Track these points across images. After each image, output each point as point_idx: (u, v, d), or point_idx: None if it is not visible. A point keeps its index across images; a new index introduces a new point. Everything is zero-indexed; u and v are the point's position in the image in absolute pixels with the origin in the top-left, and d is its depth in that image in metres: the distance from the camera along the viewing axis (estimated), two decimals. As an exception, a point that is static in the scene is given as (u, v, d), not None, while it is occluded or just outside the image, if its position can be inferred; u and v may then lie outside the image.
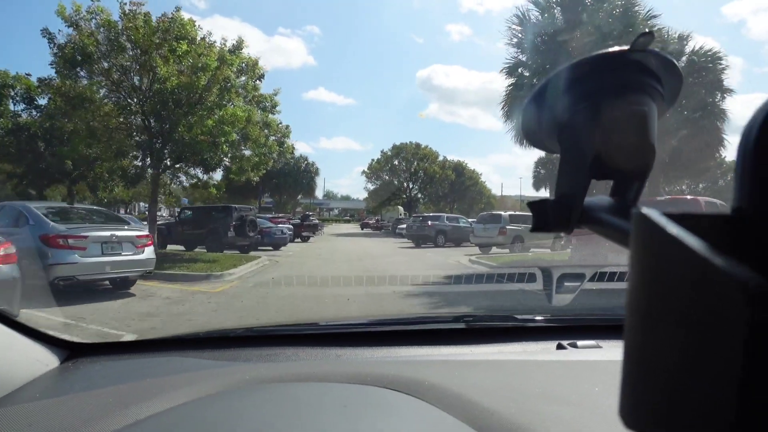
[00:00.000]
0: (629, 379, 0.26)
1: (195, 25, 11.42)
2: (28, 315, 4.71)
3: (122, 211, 43.84)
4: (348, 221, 64.80)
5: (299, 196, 52.94)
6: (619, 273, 4.71)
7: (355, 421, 0.83)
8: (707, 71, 15.71)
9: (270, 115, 13.05)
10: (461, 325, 1.48)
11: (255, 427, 0.81)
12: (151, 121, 10.77)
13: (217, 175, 13.64)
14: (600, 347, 1.31)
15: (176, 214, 18.27)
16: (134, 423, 0.81)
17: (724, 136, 15.86)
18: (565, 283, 4.47)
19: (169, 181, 12.52)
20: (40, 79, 11.92)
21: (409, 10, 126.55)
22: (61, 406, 0.90)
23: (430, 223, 23.42)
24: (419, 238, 23.27)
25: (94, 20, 10.60)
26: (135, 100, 10.71)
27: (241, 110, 10.75)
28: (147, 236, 7.34)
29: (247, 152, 12.23)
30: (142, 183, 17.14)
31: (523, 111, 0.48)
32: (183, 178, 12.81)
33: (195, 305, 6.45)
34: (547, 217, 0.46)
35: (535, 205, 0.47)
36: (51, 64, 10.83)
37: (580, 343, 1.33)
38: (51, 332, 1.23)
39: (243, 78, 12.37)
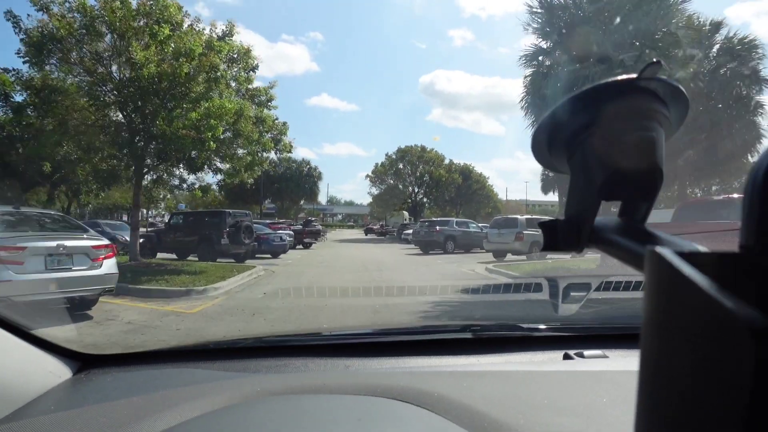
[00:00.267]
0: (644, 405, 0.28)
1: (181, 10, 10.20)
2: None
3: (125, 217, 42.86)
4: (352, 227, 63.76)
5: (302, 202, 51.83)
6: (625, 282, 4.68)
7: None
8: (742, 60, 14.42)
9: (265, 110, 11.78)
10: (468, 335, 1.47)
11: None
12: (131, 115, 9.51)
13: (209, 176, 12.27)
14: (607, 357, 1.30)
15: (167, 220, 16.88)
16: None
17: (763, 131, 14.54)
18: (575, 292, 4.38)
19: (152, 184, 11.13)
20: (5, 69, 10.65)
21: (411, 15, 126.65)
22: (76, 419, 0.90)
23: (438, 228, 22.11)
24: (427, 244, 21.97)
25: (67, 2, 9.40)
26: (111, 90, 9.43)
27: (230, 102, 9.47)
28: (107, 246, 6.04)
29: (241, 151, 10.92)
30: (126, 186, 15.97)
31: (534, 134, 0.49)
32: (171, 179, 11.39)
33: (159, 333, 5.16)
34: (558, 237, 0.47)
35: (545, 225, 0.48)
36: (18, 53, 9.63)
37: (586, 353, 1.32)
38: (63, 344, 1.21)
39: (235, 69, 11.13)
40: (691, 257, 0.26)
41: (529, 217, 18.43)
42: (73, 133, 9.30)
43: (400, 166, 47.80)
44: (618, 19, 12.18)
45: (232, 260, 15.26)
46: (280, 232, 19.50)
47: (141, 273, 9.57)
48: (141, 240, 16.50)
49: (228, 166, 11.73)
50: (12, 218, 5.75)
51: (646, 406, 0.28)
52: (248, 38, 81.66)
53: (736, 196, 11.55)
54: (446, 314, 6.00)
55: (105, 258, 5.87)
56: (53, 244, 5.43)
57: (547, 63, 13.26)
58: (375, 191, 49.79)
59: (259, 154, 11.23)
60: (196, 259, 14.44)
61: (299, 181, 45.17)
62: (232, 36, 10.91)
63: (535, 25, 13.24)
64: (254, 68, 11.52)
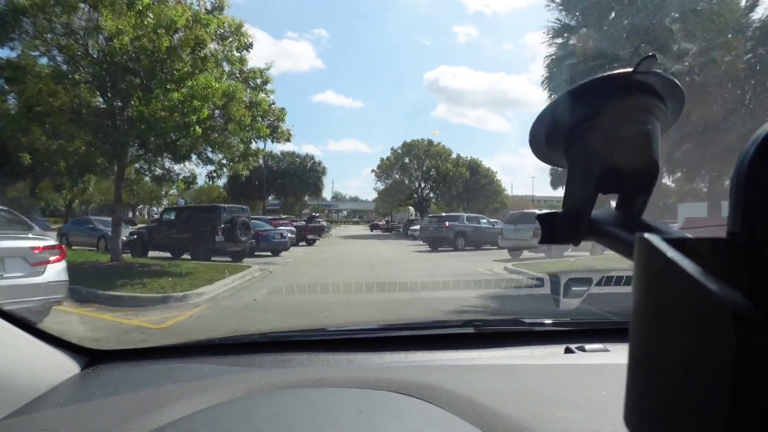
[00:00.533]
0: (633, 389, 0.28)
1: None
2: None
3: (131, 214, 41.87)
4: (357, 223, 62.81)
5: (306, 198, 50.83)
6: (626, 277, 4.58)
7: (370, 427, 0.83)
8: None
9: (261, 95, 10.62)
10: (470, 330, 1.48)
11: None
12: (106, 95, 8.36)
13: (199, 168, 11.09)
14: (608, 351, 1.31)
15: (158, 216, 15.80)
16: (157, 429, 0.80)
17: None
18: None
19: (135, 175, 9.98)
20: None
21: (415, 12, 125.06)
22: (85, 413, 0.91)
23: (447, 224, 20.91)
24: (436, 240, 20.79)
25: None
26: (85, 68, 8.28)
27: (217, 81, 8.31)
28: (53, 248, 4.91)
29: (233, 139, 9.76)
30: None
31: (532, 129, 0.49)
32: (154, 170, 10.18)
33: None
34: (556, 230, 0.48)
35: (543, 217, 0.49)
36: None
37: (588, 346, 1.33)
38: (71, 339, 1.23)
39: (226, 47, 9.96)
40: (678, 243, 0.27)
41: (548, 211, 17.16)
42: (41, 117, 8.16)
43: (406, 160, 46.57)
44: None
45: (229, 259, 14.21)
46: (281, 228, 18.43)
47: (119, 275, 8.48)
48: (131, 237, 15.54)
49: (220, 156, 10.59)
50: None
51: (636, 392, 0.28)
52: (253, 35, 79.92)
53: None
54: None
55: (50, 262, 4.74)
56: (-24, 245, 4.31)
57: (572, 42, 12.01)
58: (380, 186, 48.64)
59: (254, 142, 10.04)
60: (191, 258, 13.42)
61: (303, 177, 44.09)
62: (222, 10, 9.76)
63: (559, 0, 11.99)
64: (248, 47, 10.35)
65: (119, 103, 8.22)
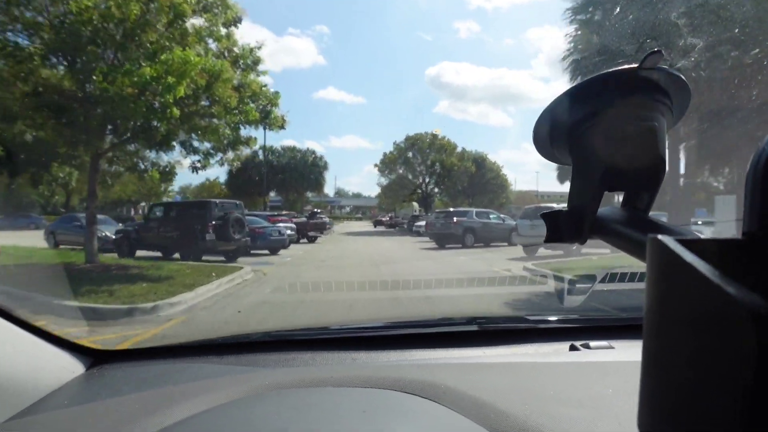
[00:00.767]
0: (646, 390, 0.28)
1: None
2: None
3: (132, 211, 40.86)
4: (360, 219, 61.88)
5: (310, 195, 49.76)
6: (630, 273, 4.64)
7: (375, 426, 0.83)
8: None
9: (251, 76, 9.47)
10: (474, 327, 1.48)
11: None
12: (67, 70, 7.20)
13: (184, 158, 9.93)
14: (613, 348, 1.29)
15: (146, 212, 14.70)
16: (162, 430, 0.80)
17: None
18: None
19: (108, 164, 8.83)
20: None
21: (417, 8, 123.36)
22: (90, 413, 0.92)
23: (456, 219, 19.76)
24: (443, 237, 19.66)
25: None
26: (39, 39, 7.11)
27: (197, 56, 7.16)
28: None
29: (217, 122, 8.62)
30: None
31: (536, 126, 0.48)
32: (127, 158, 8.98)
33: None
34: (561, 228, 0.47)
35: (548, 215, 0.49)
36: None
37: (592, 344, 1.31)
38: (75, 340, 1.23)
39: (217, 23, 8.82)
40: (692, 244, 0.26)
41: (565, 206, 16.02)
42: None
43: (410, 155, 45.35)
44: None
45: (222, 258, 13.14)
46: (280, 225, 17.36)
47: (88, 280, 7.39)
48: (118, 236, 14.48)
49: (208, 145, 9.46)
50: None
51: (649, 393, 0.28)
52: (255, 32, 79.09)
53: None
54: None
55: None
56: None
57: (597, 17, 10.85)
58: (384, 181, 47.46)
59: (243, 128, 8.89)
60: (181, 258, 12.35)
61: (304, 172, 42.93)
62: (206, -22, 8.60)
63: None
64: (236, 22, 9.20)
65: (84, 82, 7.07)
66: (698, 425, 0.24)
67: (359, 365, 1.23)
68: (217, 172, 47.45)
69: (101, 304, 5.89)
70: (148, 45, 7.12)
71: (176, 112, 7.31)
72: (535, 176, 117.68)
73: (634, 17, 10.98)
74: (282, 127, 9.88)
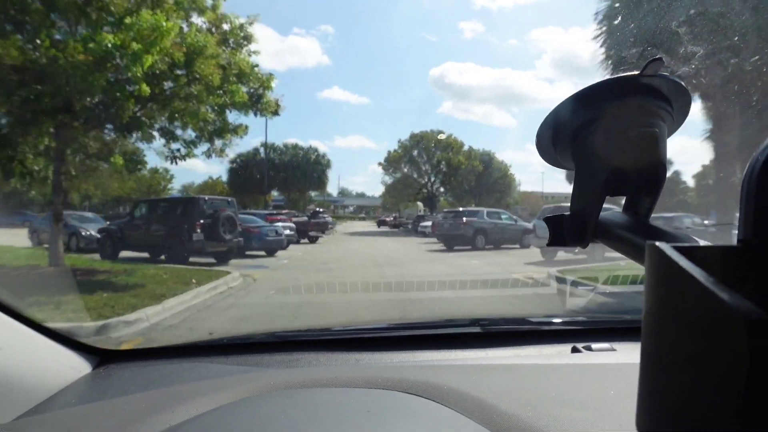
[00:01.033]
0: (644, 392, 0.29)
1: None
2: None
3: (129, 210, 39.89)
4: (363, 219, 60.89)
5: (313, 194, 48.73)
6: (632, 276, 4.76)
7: (380, 427, 0.83)
8: None
9: (240, 55, 8.29)
10: (477, 329, 1.48)
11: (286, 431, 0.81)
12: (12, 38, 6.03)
13: (166, 147, 8.71)
14: (615, 350, 1.30)
15: (131, 210, 13.57)
16: (169, 429, 0.80)
17: None
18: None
19: (72, 153, 7.66)
20: None
21: (421, 8, 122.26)
22: (98, 412, 0.92)
23: (465, 220, 18.57)
24: (452, 239, 18.49)
25: None
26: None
27: (165, 19, 5.95)
28: None
29: (203, 109, 7.43)
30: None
31: (538, 131, 0.49)
32: (90, 144, 7.73)
33: None
34: (564, 232, 0.48)
35: (551, 220, 0.49)
36: None
37: (594, 346, 1.31)
38: (82, 339, 1.24)
39: None
40: (689, 251, 0.27)
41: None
42: None
43: (415, 153, 44.14)
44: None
45: (212, 260, 12.01)
46: (278, 224, 16.23)
47: (41, 287, 6.23)
48: (100, 235, 13.37)
49: (192, 133, 8.28)
50: None
51: (647, 395, 0.29)
52: (260, 31, 77.89)
53: None
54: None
55: None
56: None
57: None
58: (388, 180, 46.27)
59: (230, 111, 7.69)
60: (166, 260, 11.22)
61: (307, 170, 41.79)
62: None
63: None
64: (223, -8, 8.03)
65: (35, 52, 5.90)
66: (695, 426, 0.25)
67: (363, 366, 1.24)
68: (219, 171, 46.50)
69: (37, 320, 4.71)
70: (112, 9, 5.95)
71: (146, 89, 6.13)
72: (540, 177, 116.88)
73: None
74: (276, 112, 8.69)
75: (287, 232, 16.89)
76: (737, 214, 0.30)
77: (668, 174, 0.48)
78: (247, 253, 14.17)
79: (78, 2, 5.94)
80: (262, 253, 14.51)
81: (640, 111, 0.45)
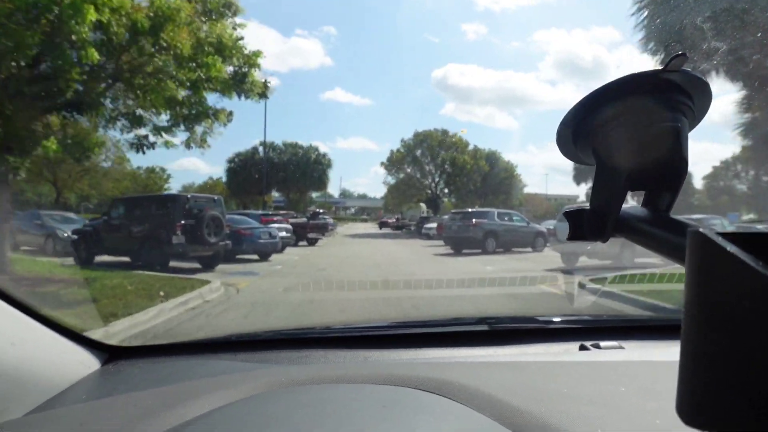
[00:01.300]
0: (687, 381, 0.29)
1: None
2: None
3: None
4: (365, 220, 59.74)
5: (315, 195, 47.56)
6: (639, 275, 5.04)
7: (395, 422, 0.82)
8: None
9: (223, 27, 7.01)
10: (484, 327, 1.48)
11: (302, 427, 0.80)
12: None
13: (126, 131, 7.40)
14: (623, 348, 1.30)
15: (107, 210, 12.28)
16: (180, 425, 0.79)
17: None
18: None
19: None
20: None
21: (424, 10, 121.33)
22: (108, 408, 0.92)
23: (475, 221, 17.28)
24: (460, 241, 17.23)
25: None
26: None
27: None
28: None
29: (171, 84, 6.15)
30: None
31: (559, 127, 0.50)
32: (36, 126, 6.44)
33: None
34: (583, 227, 0.49)
35: (571, 214, 0.50)
36: None
37: (602, 344, 1.31)
38: (91, 335, 1.24)
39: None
40: (734, 237, 0.27)
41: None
42: None
43: (418, 153, 42.85)
44: None
45: (198, 265, 10.74)
46: (273, 226, 14.98)
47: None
48: (74, 237, 12.12)
49: (164, 116, 7.01)
50: None
51: (690, 381, 0.29)
52: (263, 33, 77.07)
53: None
54: None
55: None
56: None
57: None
58: (391, 180, 44.99)
59: (204, 88, 6.40)
60: (144, 266, 9.95)
61: (306, 169, 40.49)
62: None
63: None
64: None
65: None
66: (741, 415, 0.25)
67: (372, 363, 1.23)
68: (221, 171, 45.11)
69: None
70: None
71: (94, 54, 4.85)
72: (542, 179, 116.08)
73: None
74: (264, 95, 7.42)
75: (283, 234, 15.66)
76: None
77: None
78: (239, 257, 12.96)
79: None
80: (255, 257, 13.30)
81: (663, 106, 0.44)
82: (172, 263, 10.69)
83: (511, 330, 1.49)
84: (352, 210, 73.86)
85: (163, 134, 6.83)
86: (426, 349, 1.33)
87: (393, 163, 43.29)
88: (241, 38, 7.23)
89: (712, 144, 61.19)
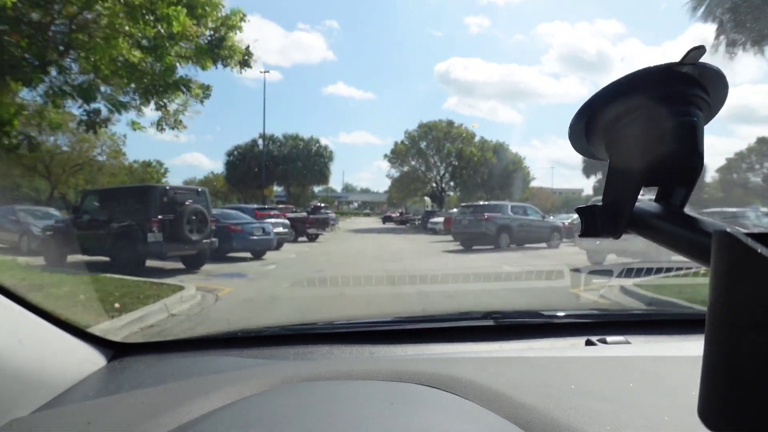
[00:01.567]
0: (711, 385, 0.29)
1: None
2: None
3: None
4: (368, 215, 58.60)
5: (317, 189, 46.39)
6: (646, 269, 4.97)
7: (404, 418, 0.79)
8: None
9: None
10: (490, 322, 1.48)
11: (311, 424, 0.77)
12: None
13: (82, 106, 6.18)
14: (629, 343, 1.29)
15: (78, 203, 11.01)
16: (189, 422, 0.76)
17: None
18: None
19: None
20: None
21: (426, 3, 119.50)
22: (115, 405, 0.90)
23: (487, 215, 16.04)
24: (471, 237, 15.99)
25: None
26: None
27: None
28: None
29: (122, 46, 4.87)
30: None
31: (572, 122, 0.50)
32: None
33: None
34: (596, 223, 0.48)
35: (583, 210, 0.49)
36: None
37: (609, 339, 1.30)
38: (97, 332, 1.24)
39: None
40: (762, 237, 0.27)
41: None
42: None
43: (423, 144, 41.49)
44: None
45: (181, 266, 9.54)
46: (268, 221, 13.77)
47: None
48: (45, 234, 10.91)
49: (126, 88, 5.75)
50: None
51: (714, 381, 0.29)
52: (265, 27, 75.73)
53: None
54: None
55: None
56: None
57: None
58: (394, 173, 43.68)
59: (167, 46, 5.12)
60: (115, 267, 8.73)
61: (307, 162, 39.21)
62: None
63: None
64: None
65: None
66: (765, 417, 0.25)
67: (378, 359, 1.23)
68: (222, 167, 43.74)
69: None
70: None
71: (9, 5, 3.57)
72: (547, 173, 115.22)
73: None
74: (246, 63, 6.12)
75: (279, 229, 14.46)
76: None
77: None
78: (229, 255, 11.75)
79: None
80: (248, 255, 12.10)
81: (678, 100, 0.44)
82: (152, 263, 9.51)
83: (517, 324, 1.50)
84: (355, 204, 72.90)
85: (122, 110, 5.56)
86: (432, 344, 1.34)
87: (397, 155, 41.96)
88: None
89: (719, 138, 59.66)
